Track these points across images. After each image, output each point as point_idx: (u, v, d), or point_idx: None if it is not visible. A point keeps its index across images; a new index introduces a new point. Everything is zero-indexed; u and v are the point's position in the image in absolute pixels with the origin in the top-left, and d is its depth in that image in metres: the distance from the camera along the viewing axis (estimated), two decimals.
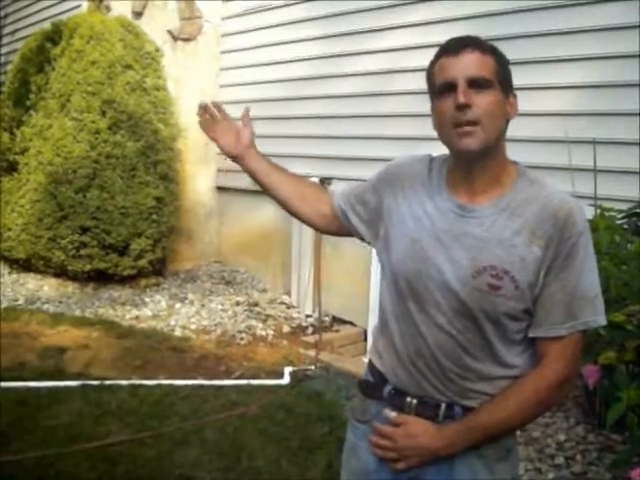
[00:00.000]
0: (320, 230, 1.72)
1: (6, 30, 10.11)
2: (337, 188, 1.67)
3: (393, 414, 1.43)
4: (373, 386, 1.52)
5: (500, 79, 1.36)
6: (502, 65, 1.38)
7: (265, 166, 1.68)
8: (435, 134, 1.43)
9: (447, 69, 1.35)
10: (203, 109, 1.72)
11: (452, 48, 1.37)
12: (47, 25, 6.33)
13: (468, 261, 1.35)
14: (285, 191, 1.66)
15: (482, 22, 4.17)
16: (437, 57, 1.40)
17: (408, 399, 1.43)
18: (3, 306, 5.21)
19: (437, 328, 1.39)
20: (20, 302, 5.31)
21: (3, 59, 10.23)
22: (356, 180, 1.72)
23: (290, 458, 3.14)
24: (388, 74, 4.89)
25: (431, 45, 4.29)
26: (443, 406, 1.41)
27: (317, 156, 5.41)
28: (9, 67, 8.77)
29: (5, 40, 10.18)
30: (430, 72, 1.41)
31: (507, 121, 1.39)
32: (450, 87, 1.34)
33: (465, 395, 1.40)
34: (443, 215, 1.40)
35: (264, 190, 1.69)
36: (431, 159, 1.50)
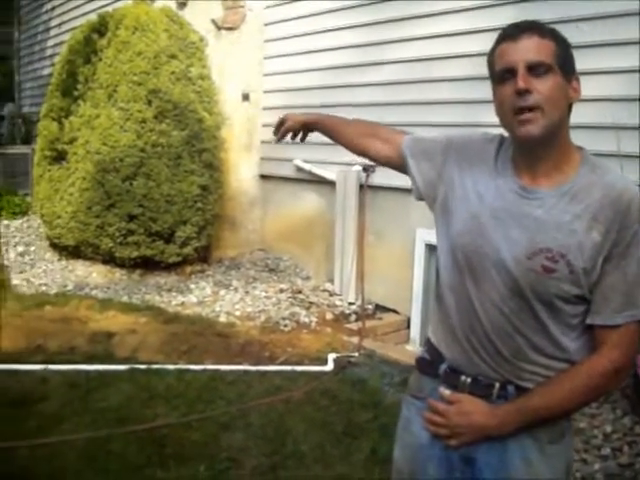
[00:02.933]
0: (391, 168, 1.74)
1: (53, 22, 10.31)
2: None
3: (447, 392, 1.46)
4: (429, 363, 1.54)
5: (561, 63, 1.34)
6: (563, 48, 1.36)
7: (333, 122, 1.81)
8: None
9: (506, 55, 1.35)
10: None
11: (511, 33, 1.36)
12: (93, 17, 6.43)
13: (525, 242, 1.35)
14: (351, 136, 1.75)
15: (528, 6, 4.09)
16: (497, 43, 1.39)
17: (462, 377, 1.45)
18: (53, 292, 5.36)
19: (491, 305, 1.39)
20: (69, 288, 5.45)
21: (50, 51, 10.44)
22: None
23: (334, 443, 3.16)
24: (431, 61, 4.84)
25: (476, 31, 4.31)
26: (497, 386, 1.41)
27: None
28: (56, 59, 8.96)
29: (53, 32, 10.38)
30: (490, 58, 1.41)
31: (570, 105, 1.38)
32: (510, 73, 1.34)
33: (518, 375, 1.40)
34: (505, 195, 1.41)
35: (337, 142, 1.78)
36: (501, 139, 1.50)
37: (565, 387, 1.36)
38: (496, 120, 1.44)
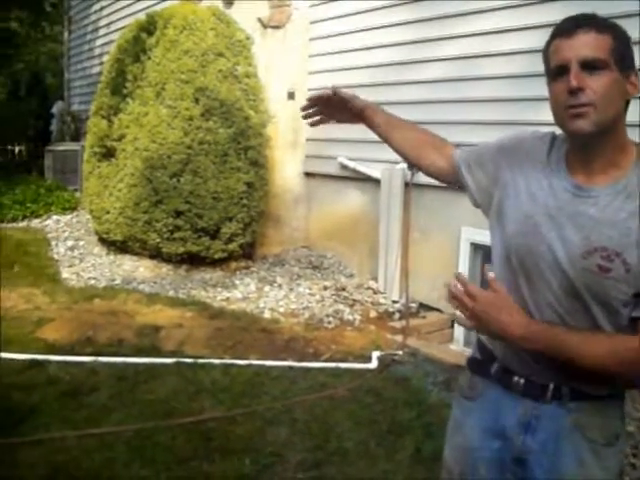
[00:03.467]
0: (437, 179, 1.72)
1: (102, 22, 10.51)
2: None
3: (492, 274, 1.39)
4: (481, 363, 1.53)
5: (618, 58, 1.31)
6: (621, 43, 1.33)
7: (384, 120, 1.72)
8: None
9: (560, 51, 1.33)
10: (312, 102, 1.76)
11: (566, 29, 1.34)
12: (142, 16, 6.54)
13: (580, 241, 1.33)
14: (404, 142, 1.70)
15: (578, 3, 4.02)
16: (551, 38, 1.37)
17: (515, 378, 1.43)
18: (102, 285, 5.47)
19: (546, 306, 1.38)
20: (117, 282, 5.54)
21: (99, 50, 10.65)
22: None
23: (378, 441, 3.16)
24: (478, 58, 4.79)
25: (524, 28, 4.24)
26: (551, 386, 1.40)
27: None
28: (105, 58, 9.13)
29: (101, 32, 10.58)
30: (545, 54, 1.39)
31: (627, 101, 1.35)
32: (563, 70, 1.31)
33: (573, 376, 1.37)
34: (558, 193, 1.38)
35: (386, 142, 1.74)
36: (553, 137, 1.47)
37: (591, 339, 1.31)
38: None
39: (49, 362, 3.86)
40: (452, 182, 1.65)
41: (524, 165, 1.46)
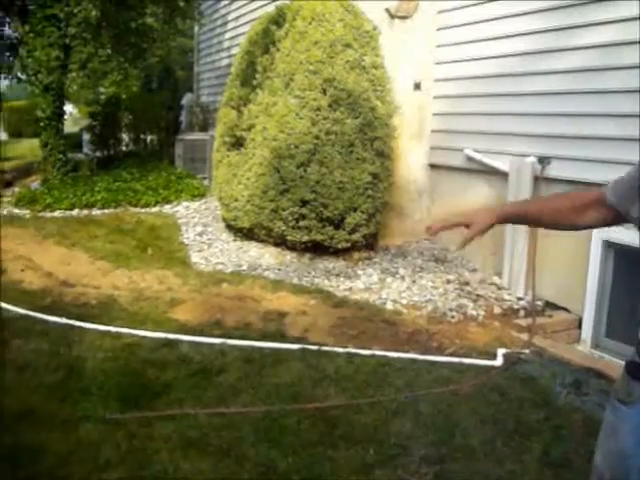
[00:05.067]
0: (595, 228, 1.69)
1: (231, 16, 10.82)
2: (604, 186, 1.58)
3: None
4: None
5: None
6: None
7: (519, 209, 1.75)
8: None
9: None
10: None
11: None
12: (271, 9, 6.67)
13: None
14: (547, 214, 1.66)
15: None
16: None
17: None
18: (229, 270, 5.65)
19: None
20: (244, 268, 5.71)
21: (227, 43, 10.98)
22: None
23: (504, 441, 3.09)
24: (615, 47, 4.55)
25: None
26: None
27: (535, 134, 5.19)
28: (233, 51, 9.40)
29: (230, 25, 10.90)
30: None
31: None
32: None
33: None
34: None
35: (533, 226, 1.78)
36: None
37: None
38: None
39: (181, 342, 4.05)
40: (614, 224, 1.59)
41: None
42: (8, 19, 11.39)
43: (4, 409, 3.22)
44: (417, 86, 6.40)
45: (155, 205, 8.27)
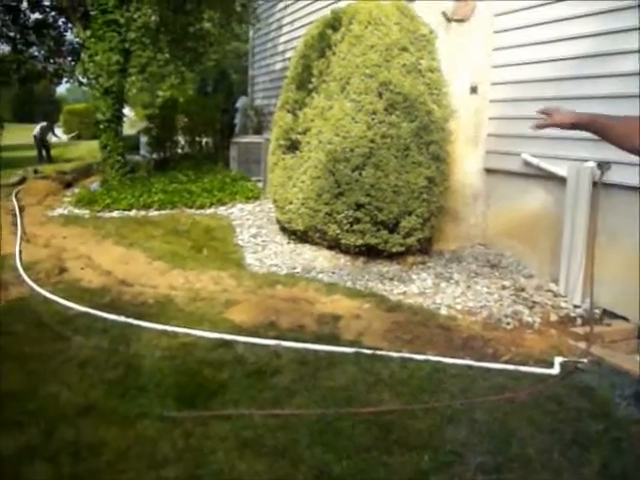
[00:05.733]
0: None
1: (286, 20, 10.91)
2: None
3: None
4: None
5: None
6: None
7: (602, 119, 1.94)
8: None
9: None
10: None
11: None
12: (327, 13, 6.69)
13: None
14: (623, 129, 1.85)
15: None
16: None
17: None
18: (283, 273, 5.69)
19: None
20: (298, 270, 5.74)
21: (282, 47, 11.07)
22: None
23: (562, 451, 3.03)
24: None
25: None
26: None
27: (594, 139, 5.01)
28: (288, 54, 9.47)
29: (285, 29, 10.99)
30: None
31: None
32: None
33: None
34: None
35: (606, 139, 1.92)
36: None
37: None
38: None
39: (236, 342, 4.09)
40: None
41: None
42: (70, 25, 11.75)
43: (66, 404, 3.32)
44: (473, 90, 6.34)
45: (210, 207, 8.40)
